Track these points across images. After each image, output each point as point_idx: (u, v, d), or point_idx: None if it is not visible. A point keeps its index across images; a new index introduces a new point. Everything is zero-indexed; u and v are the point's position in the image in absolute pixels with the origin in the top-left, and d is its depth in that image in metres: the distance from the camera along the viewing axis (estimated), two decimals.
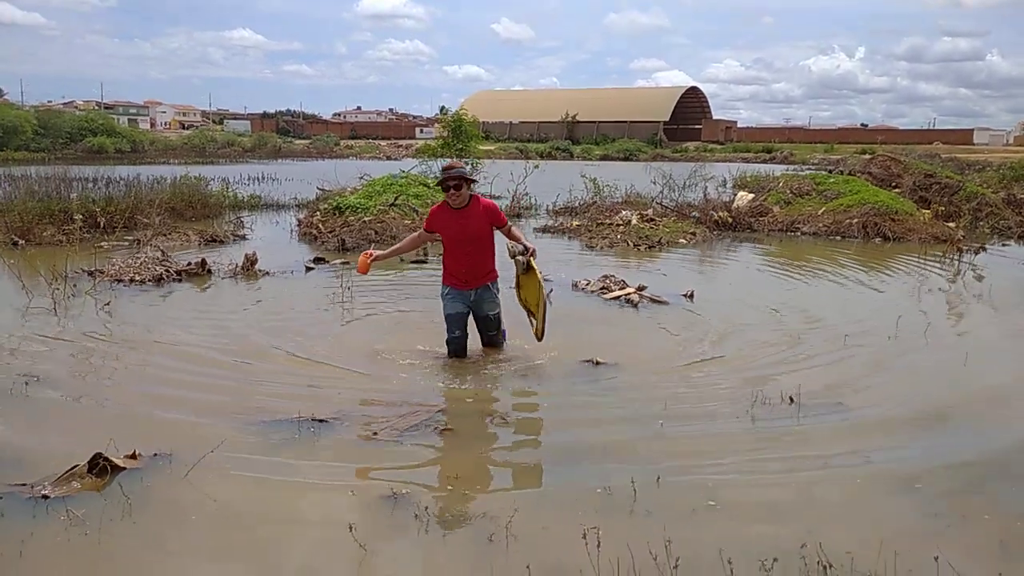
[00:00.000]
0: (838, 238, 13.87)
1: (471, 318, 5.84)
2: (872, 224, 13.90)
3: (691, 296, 8.30)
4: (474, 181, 5.68)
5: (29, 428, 4.49)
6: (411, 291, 8.48)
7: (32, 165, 21.21)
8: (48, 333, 6.52)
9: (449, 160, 5.62)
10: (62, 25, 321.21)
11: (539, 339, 5.81)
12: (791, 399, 5.04)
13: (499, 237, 5.80)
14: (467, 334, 5.83)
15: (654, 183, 17.42)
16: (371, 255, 5.64)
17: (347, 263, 10.07)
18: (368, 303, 7.87)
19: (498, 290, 5.82)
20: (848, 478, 4.05)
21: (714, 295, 8.68)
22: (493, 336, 5.96)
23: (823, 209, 14.95)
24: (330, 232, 12.48)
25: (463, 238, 5.53)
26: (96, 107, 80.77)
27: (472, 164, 17.38)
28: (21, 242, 11.13)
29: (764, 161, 48.10)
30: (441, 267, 5.90)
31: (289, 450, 4.21)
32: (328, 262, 10.29)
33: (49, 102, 77.58)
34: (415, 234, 6.11)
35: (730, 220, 14.77)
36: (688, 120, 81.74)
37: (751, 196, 16.35)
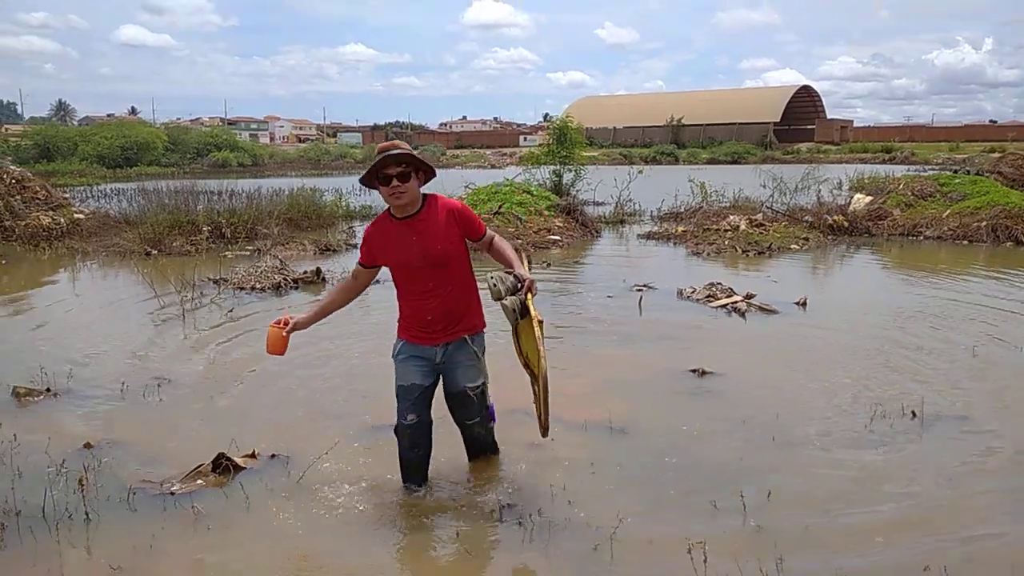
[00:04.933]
0: (965, 243, 13.06)
1: (439, 393, 3.80)
2: (1003, 227, 13.00)
3: (804, 304, 8.01)
4: (429, 169, 3.53)
5: (158, 427, 4.80)
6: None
7: (163, 179, 22.66)
8: (177, 338, 6.95)
9: (390, 141, 3.64)
10: (189, 46, 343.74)
11: (542, 433, 3.73)
12: (913, 413, 4.78)
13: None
14: (431, 420, 3.77)
15: (763, 187, 16.90)
16: (286, 324, 3.60)
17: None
18: None
19: (483, 350, 3.73)
20: (973, 498, 3.81)
21: (829, 303, 8.34)
22: (475, 427, 3.78)
23: (948, 212, 14.12)
24: None
25: (421, 263, 3.50)
26: (220, 123, 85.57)
27: (576, 171, 17.32)
28: (153, 252, 11.93)
29: (883, 162, 45.76)
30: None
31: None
32: None
33: (178, 119, 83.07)
34: (343, 282, 3.90)
35: (846, 224, 14.15)
36: (800, 120, 78.84)
37: (869, 199, 15.62)
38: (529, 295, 3.51)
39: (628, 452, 4.37)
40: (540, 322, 3.47)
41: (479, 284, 3.68)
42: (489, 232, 3.69)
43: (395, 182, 3.38)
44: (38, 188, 14.69)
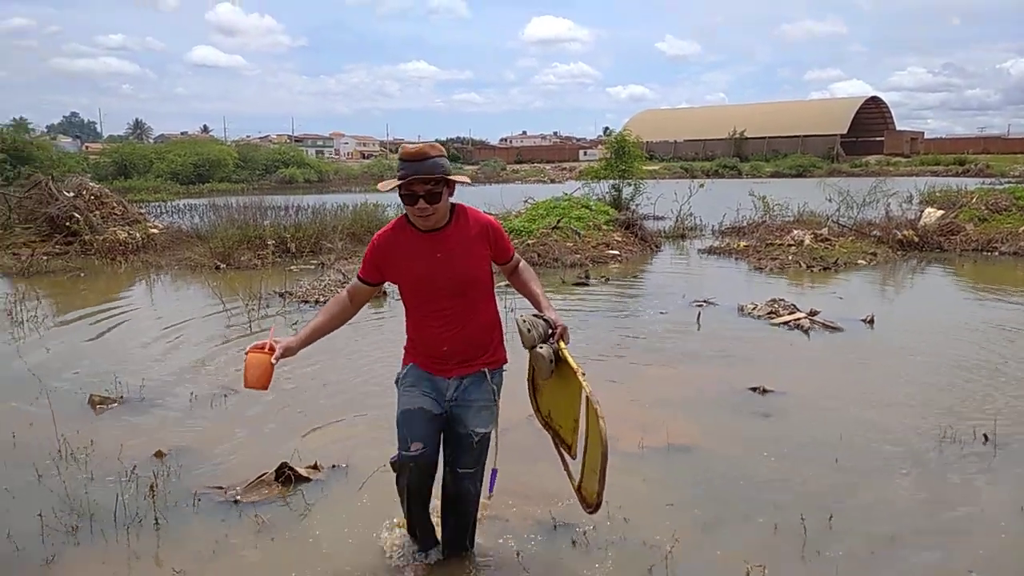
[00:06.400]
0: None
1: (444, 432, 3.13)
2: None
3: (871, 321, 7.79)
4: (462, 182, 3.00)
5: (225, 436, 4.94)
6: (593, 308, 8.51)
7: (232, 195, 23.37)
8: (244, 349, 7.12)
9: (414, 145, 2.82)
10: (260, 66, 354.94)
11: (589, 508, 2.87)
12: (985, 437, 4.60)
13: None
14: (437, 452, 3.09)
15: (829, 200, 16.50)
16: (273, 348, 3.01)
17: (510, 285, 10.28)
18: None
19: (497, 391, 3.09)
20: None
21: (897, 321, 8.10)
22: (468, 476, 3.09)
23: None
24: None
25: (445, 283, 2.96)
26: (288, 140, 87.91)
27: (635, 185, 17.22)
28: (222, 266, 12.32)
29: (956, 174, 44.26)
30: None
31: None
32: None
33: (247, 137, 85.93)
34: (341, 295, 3.17)
35: (916, 239, 13.72)
36: (868, 132, 76.90)
37: (940, 213, 15.11)
38: (562, 343, 2.95)
39: (685, 471, 4.32)
40: (583, 374, 2.82)
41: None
42: (516, 256, 3.23)
43: (422, 203, 2.80)
44: (115, 204, 15.35)
